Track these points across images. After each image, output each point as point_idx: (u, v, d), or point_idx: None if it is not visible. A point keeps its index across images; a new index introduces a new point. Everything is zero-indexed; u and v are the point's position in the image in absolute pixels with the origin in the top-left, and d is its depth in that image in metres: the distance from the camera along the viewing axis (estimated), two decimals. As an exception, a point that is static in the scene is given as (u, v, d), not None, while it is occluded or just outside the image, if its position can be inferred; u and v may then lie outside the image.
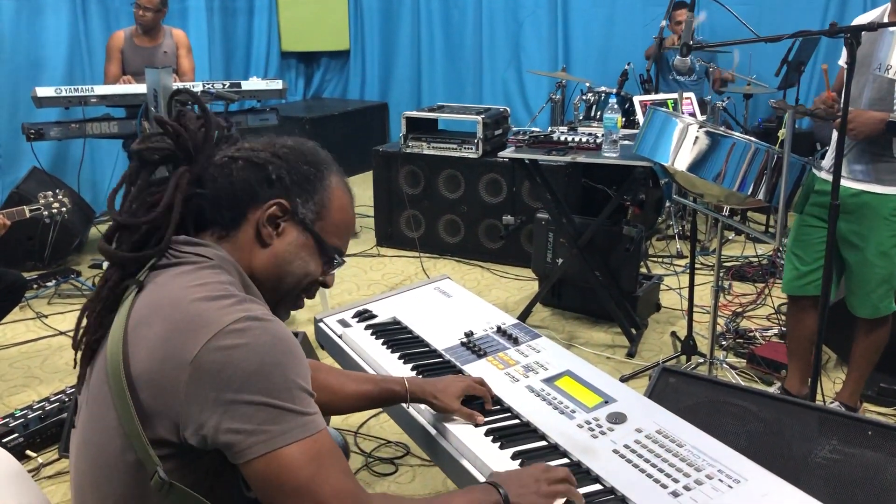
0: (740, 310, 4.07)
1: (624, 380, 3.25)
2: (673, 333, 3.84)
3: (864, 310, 2.84)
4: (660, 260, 4.91)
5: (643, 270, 4.34)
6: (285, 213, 1.26)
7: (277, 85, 4.56)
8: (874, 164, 2.69)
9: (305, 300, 1.38)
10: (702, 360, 3.29)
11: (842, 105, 2.51)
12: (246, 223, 1.26)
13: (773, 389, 3.17)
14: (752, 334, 3.75)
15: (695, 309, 3.42)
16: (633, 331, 3.72)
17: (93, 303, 1.24)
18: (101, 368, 1.19)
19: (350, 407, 1.68)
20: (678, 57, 2.73)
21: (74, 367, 1.30)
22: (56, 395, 3.03)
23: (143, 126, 4.17)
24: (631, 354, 3.61)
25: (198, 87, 4.29)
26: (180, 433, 1.11)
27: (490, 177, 4.71)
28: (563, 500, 1.33)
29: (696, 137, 2.56)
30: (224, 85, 4.37)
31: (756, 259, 4.75)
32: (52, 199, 3.40)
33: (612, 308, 3.70)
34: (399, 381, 1.67)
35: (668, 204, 5.15)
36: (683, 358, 3.46)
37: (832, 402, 3.00)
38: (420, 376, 1.81)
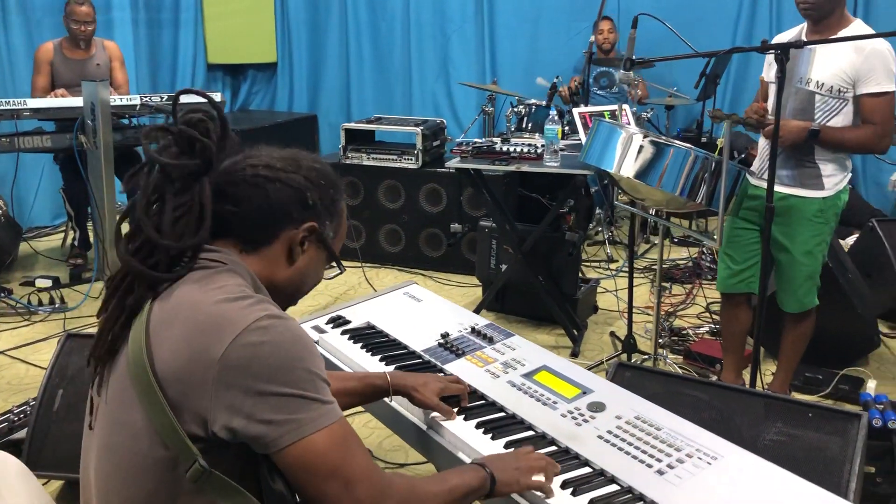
0: (672, 310, 4.28)
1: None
2: (612, 333, 4.02)
3: (791, 305, 3.06)
4: (592, 264, 5.11)
5: (579, 274, 4.51)
6: (313, 234, 1.35)
7: (216, 98, 4.55)
8: (798, 169, 2.92)
9: None
10: (646, 357, 3.47)
11: (772, 115, 2.73)
12: (276, 241, 1.33)
13: (710, 382, 3.37)
14: (685, 332, 3.96)
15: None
16: (575, 332, 3.88)
17: (114, 311, 1.27)
18: (121, 372, 1.23)
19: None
20: (622, 71, 2.89)
21: (92, 370, 1.31)
22: (2, 415, 2.95)
23: (80, 139, 4.10)
24: (575, 354, 3.77)
25: (136, 100, 4.25)
26: (208, 428, 1.16)
27: (430, 186, 4.81)
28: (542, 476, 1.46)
29: (641, 146, 2.72)
30: (162, 98, 4.33)
31: (683, 262, 5.00)
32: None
33: (556, 311, 3.85)
34: (381, 376, 1.76)
35: (598, 211, 5.37)
36: (624, 356, 3.64)
37: (765, 392, 3.22)
38: (404, 375, 1.89)
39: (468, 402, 1.75)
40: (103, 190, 4.17)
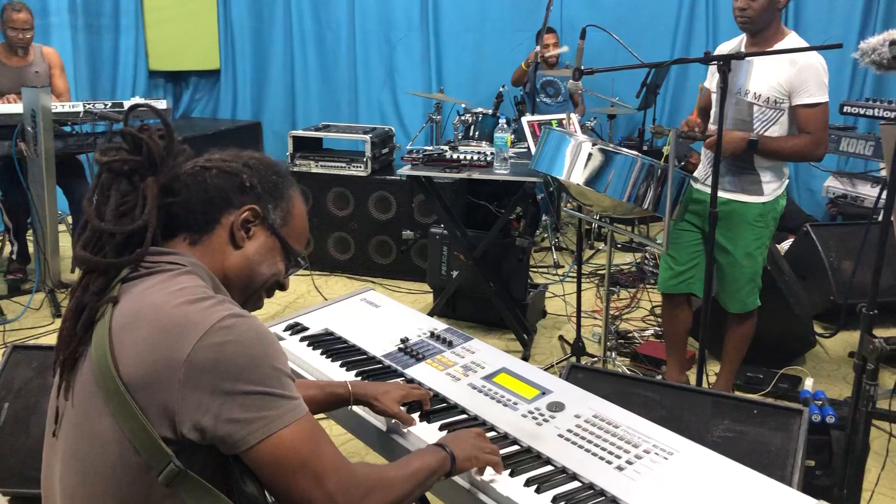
0: (618, 313, 4.39)
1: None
2: (560, 337, 4.09)
3: (734, 305, 3.18)
4: (540, 270, 5.19)
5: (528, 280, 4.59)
6: (256, 218, 1.36)
7: (161, 105, 4.48)
8: (739, 175, 3.04)
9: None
10: (595, 360, 3.55)
11: (708, 126, 2.83)
12: (219, 227, 1.34)
13: (657, 383, 3.46)
14: (631, 335, 4.06)
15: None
16: (525, 336, 3.95)
17: (74, 312, 1.27)
18: (86, 379, 1.22)
19: None
20: (571, 81, 2.97)
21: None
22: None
23: (19, 146, 4.01)
24: (525, 358, 3.82)
25: (79, 107, 4.16)
26: (177, 429, 1.17)
27: (379, 194, 4.83)
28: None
29: (590, 154, 2.80)
30: (106, 105, 4.26)
31: (627, 267, 5.12)
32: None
33: (506, 315, 3.90)
34: (342, 385, 1.77)
35: (544, 218, 5.47)
36: (573, 359, 3.71)
37: (709, 392, 3.33)
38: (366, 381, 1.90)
39: (430, 405, 1.78)
40: (45, 199, 4.08)
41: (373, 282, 4.88)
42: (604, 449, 1.60)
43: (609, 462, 1.56)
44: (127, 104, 4.36)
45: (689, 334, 3.44)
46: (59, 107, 4.12)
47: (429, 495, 1.93)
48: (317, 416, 2.10)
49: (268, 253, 1.39)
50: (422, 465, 1.42)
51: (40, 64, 4.60)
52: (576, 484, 1.52)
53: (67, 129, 4.36)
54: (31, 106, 3.91)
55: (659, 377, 3.52)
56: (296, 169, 4.90)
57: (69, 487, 1.25)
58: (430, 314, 4.05)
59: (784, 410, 2.21)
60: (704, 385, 3.03)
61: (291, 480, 1.20)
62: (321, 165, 4.89)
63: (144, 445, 1.17)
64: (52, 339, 1.77)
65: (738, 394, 3.41)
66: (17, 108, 4.03)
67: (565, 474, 1.54)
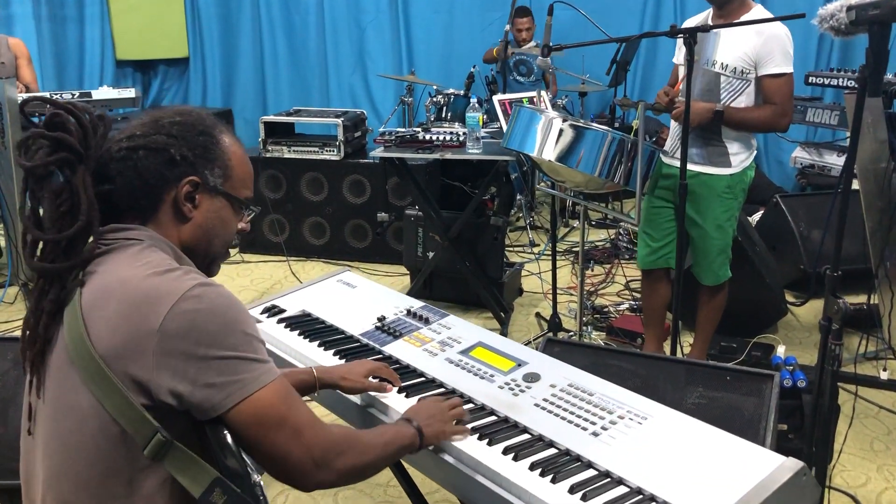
0: (593, 289, 4.43)
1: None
2: (537, 314, 4.13)
3: (707, 278, 3.22)
4: (516, 249, 5.22)
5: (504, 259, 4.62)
6: (197, 187, 1.36)
7: (130, 93, 4.46)
8: (707, 148, 3.08)
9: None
10: (571, 334, 3.59)
11: (682, 97, 2.86)
12: (164, 205, 1.35)
13: (633, 356, 3.51)
14: (606, 309, 4.11)
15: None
16: (503, 314, 3.98)
17: (34, 314, 1.28)
18: (59, 362, 1.24)
19: None
20: (540, 58, 2.98)
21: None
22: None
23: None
24: (503, 336, 3.85)
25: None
26: (153, 396, 1.19)
27: (353, 178, 4.83)
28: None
29: (561, 130, 2.82)
30: (73, 95, 4.21)
31: (601, 243, 5.17)
32: None
33: (483, 294, 3.93)
34: (307, 371, 1.77)
35: (518, 197, 5.49)
36: (550, 335, 3.75)
37: (684, 362, 3.38)
38: (343, 360, 1.92)
39: (406, 380, 1.80)
40: (14, 191, 4.03)
41: (349, 265, 4.88)
42: (579, 416, 1.63)
43: (584, 429, 1.59)
44: (95, 94, 4.33)
45: (668, 308, 3.49)
46: (23, 97, 4.06)
47: (407, 465, 1.96)
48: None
49: (219, 214, 1.40)
50: (393, 437, 1.46)
51: (6, 54, 4.53)
52: (552, 451, 1.54)
53: (35, 119, 4.30)
54: (-4, 98, 3.86)
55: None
56: (268, 155, 4.89)
57: (51, 468, 1.26)
58: (408, 295, 4.07)
59: (756, 376, 2.25)
60: (679, 354, 3.08)
61: (272, 437, 1.23)
62: (294, 151, 4.87)
63: (128, 419, 1.18)
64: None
65: (711, 362, 3.47)
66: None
67: (542, 442, 1.57)
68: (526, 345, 3.65)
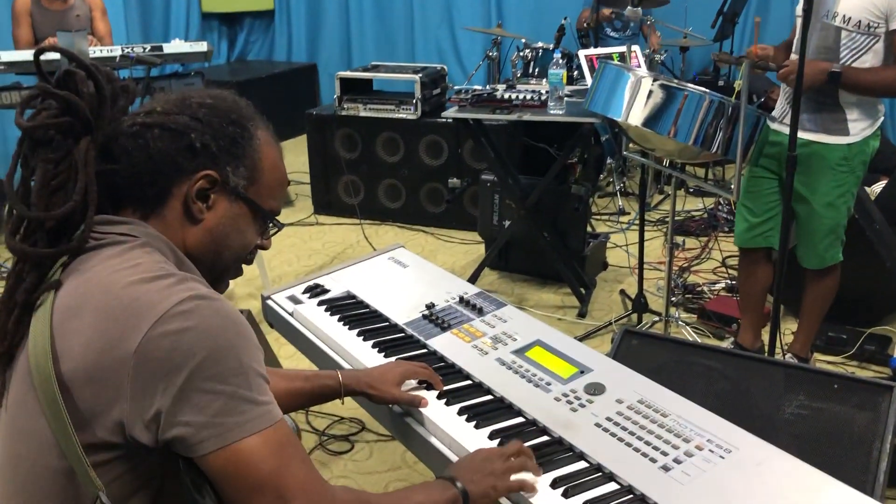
0: (686, 265, 4.06)
1: (579, 340, 3.21)
2: (622, 291, 3.82)
3: (811, 261, 2.84)
4: (603, 218, 4.88)
5: (588, 229, 4.30)
6: (215, 185, 1.13)
7: (202, 47, 4.30)
8: (821, 113, 2.67)
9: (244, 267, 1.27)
10: (657, 318, 3.27)
11: (795, 54, 2.47)
12: (172, 199, 1.12)
13: (726, 344, 3.18)
14: (700, 289, 3.75)
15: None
16: (583, 291, 3.68)
17: (5, 305, 1.08)
18: (23, 374, 1.05)
19: (282, 406, 1.57)
20: (630, 7, 2.64)
21: None
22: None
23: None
24: (582, 314, 3.57)
25: (116, 52, 4.01)
26: (126, 432, 0.99)
27: (430, 138, 4.58)
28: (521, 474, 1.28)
29: (651, 91, 2.48)
30: (145, 48, 4.10)
31: (698, 213, 4.76)
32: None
33: (562, 268, 3.64)
34: (332, 376, 1.56)
35: (609, 161, 5.11)
36: (635, 316, 3.44)
37: (785, 354, 3.02)
38: (382, 354, 1.70)
39: (449, 382, 1.56)
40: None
41: (424, 231, 4.67)
42: (648, 443, 1.35)
43: (654, 460, 1.32)
44: (167, 47, 4.21)
45: (768, 292, 3.12)
46: (95, 51, 3.98)
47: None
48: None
49: (235, 221, 1.16)
50: (424, 500, 1.19)
51: (81, 7, 4.47)
52: (612, 486, 1.28)
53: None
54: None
55: (730, 338, 3.22)
56: (343, 113, 4.68)
57: (4, 493, 1.09)
58: (480, 267, 3.84)
59: (871, 386, 1.91)
60: (779, 346, 2.73)
61: (249, 499, 1.00)
62: (369, 109, 4.64)
63: (77, 465, 0.99)
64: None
65: (816, 357, 3.09)
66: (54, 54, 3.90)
67: (601, 474, 1.31)
68: (606, 326, 3.40)
